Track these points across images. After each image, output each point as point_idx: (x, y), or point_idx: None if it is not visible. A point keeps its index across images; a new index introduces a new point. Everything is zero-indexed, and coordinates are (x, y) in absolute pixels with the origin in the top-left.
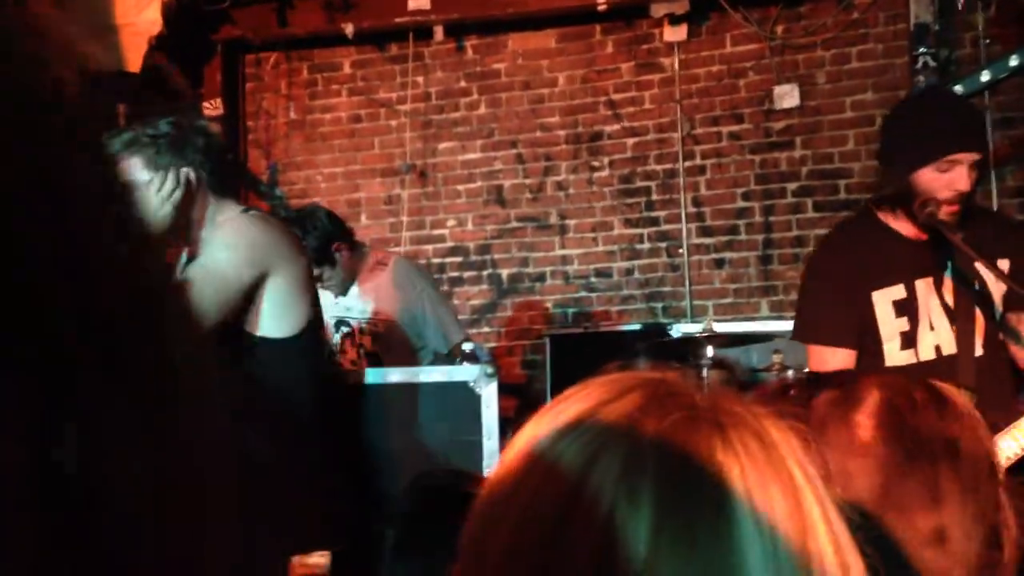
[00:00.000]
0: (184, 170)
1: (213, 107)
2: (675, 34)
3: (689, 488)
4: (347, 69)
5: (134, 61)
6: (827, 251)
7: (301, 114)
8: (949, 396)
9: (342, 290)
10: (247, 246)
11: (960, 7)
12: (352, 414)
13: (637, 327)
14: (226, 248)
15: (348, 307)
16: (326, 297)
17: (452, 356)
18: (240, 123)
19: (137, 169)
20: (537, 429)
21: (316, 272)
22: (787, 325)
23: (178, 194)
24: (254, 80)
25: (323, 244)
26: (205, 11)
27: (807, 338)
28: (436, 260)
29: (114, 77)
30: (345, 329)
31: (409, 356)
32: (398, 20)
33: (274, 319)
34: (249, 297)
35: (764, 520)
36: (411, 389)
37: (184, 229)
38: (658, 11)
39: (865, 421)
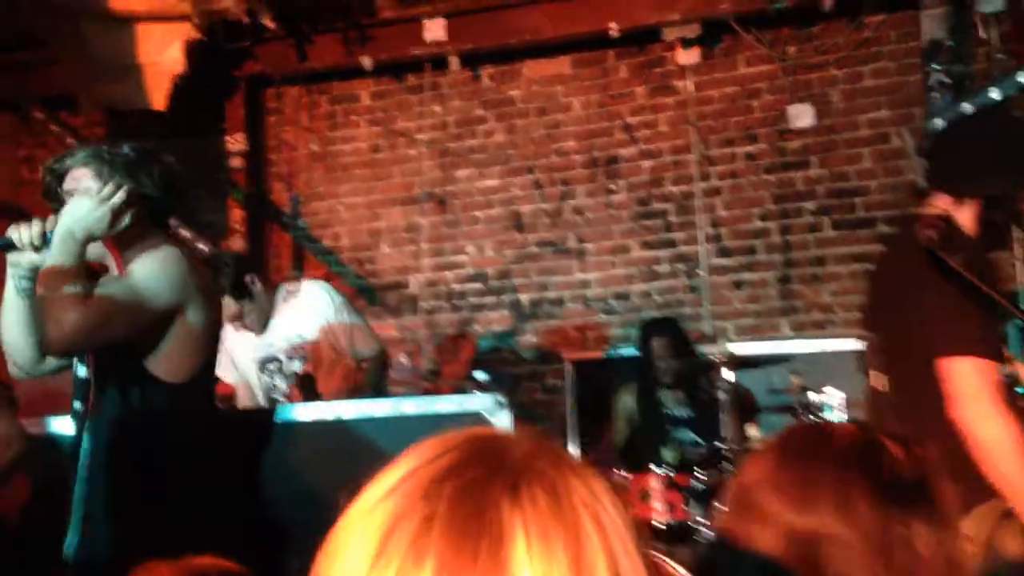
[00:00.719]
0: (130, 188)
1: (236, 141)
2: (688, 57)
3: (470, 544)
4: (366, 100)
5: (159, 99)
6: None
7: (322, 146)
8: None
9: (261, 325)
10: (171, 273)
11: (973, 23)
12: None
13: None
14: (150, 270)
15: (270, 343)
16: (246, 339)
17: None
18: (263, 156)
19: (87, 178)
20: (370, 489)
21: (236, 308)
22: (809, 345)
23: (116, 201)
24: (275, 114)
25: (237, 279)
26: (227, 49)
27: (978, 352)
28: (456, 286)
29: (140, 114)
30: (271, 365)
31: (344, 371)
32: (415, 51)
33: (175, 359)
34: (160, 325)
35: (541, 566)
36: (424, 420)
37: (114, 239)
38: (670, 35)
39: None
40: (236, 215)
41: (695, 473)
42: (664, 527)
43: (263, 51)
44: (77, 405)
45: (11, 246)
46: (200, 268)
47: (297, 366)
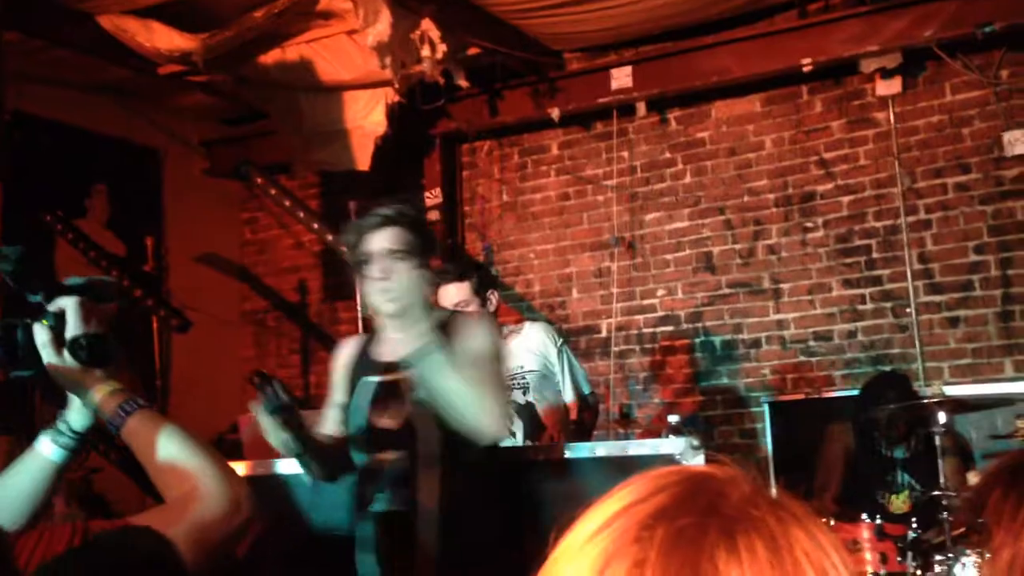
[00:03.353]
0: (428, 256)
1: (433, 196)
2: (888, 87)
3: None
4: (555, 150)
5: (363, 160)
6: None
7: (513, 196)
8: None
9: None
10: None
11: None
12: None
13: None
14: (490, 336)
15: None
16: None
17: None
18: (458, 208)
19: (394, 240)
20: (581, 524)
21: None
22: None
23: (426, 277)
24: (469, 168)
25: (481, 288)
26: (424, 109)
27: None
28: (647, 330)
29: (346, 175)
30: None
31: (558, 403)
32: (602, 100)
33: None
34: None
35: None
36: (616, 463)
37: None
38: (868, 66)
39: None
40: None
41: (911, 523)
42: None
43: (457, 109)
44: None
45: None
46: None
47: (518, 396)
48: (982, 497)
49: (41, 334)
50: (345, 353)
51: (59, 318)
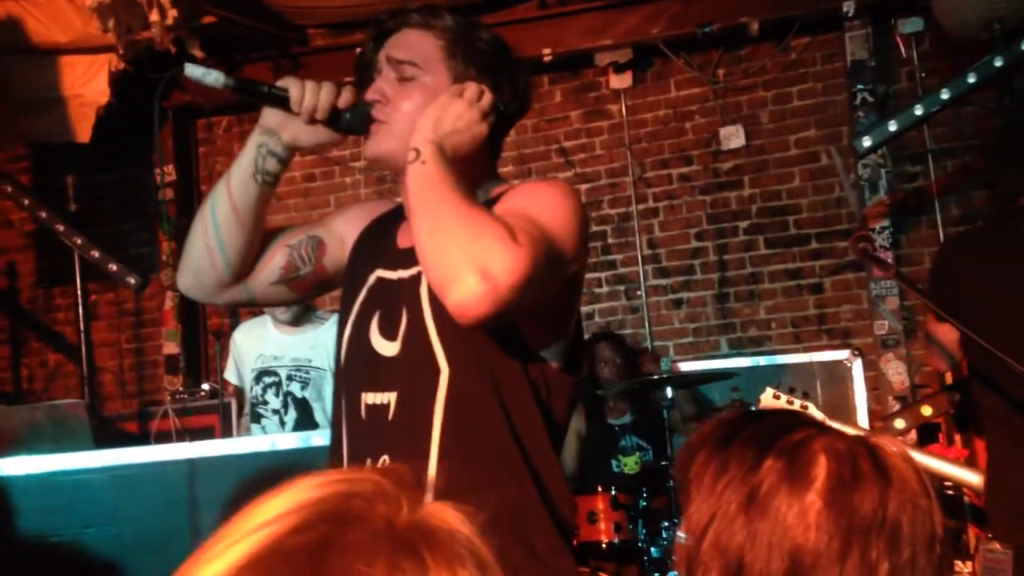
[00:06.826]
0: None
1: (166, 173)
2: (621, 81)
3: None
4: None
5: (83, 131)
6: None
7: None
8: (892, 464)
9: (294, 320)
10: None
11: (895, 43)
12: None
13: None
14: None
15: (276, 356)
16: (255, 344)
17: None
18: (194, 188)
19: (407, 47)
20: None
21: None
22: (746, 361)
23: (486, 109)
24: (206, 144)
25: None
26: (154, 79)
27: None
28: None
29: (65, 148)
30: (268, 379)
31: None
32: (347, 79)
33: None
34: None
35: None
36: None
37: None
38: (602, 60)
39: (814, 500)
40: (166, 248)
41: (642, 492)
42: (613, 547)
43: (192, 81)
44: None
45: (281, 101)
46: None
47: (296, 389)
48: (689, 458)
49: None
50: (362, 213)
51: None
